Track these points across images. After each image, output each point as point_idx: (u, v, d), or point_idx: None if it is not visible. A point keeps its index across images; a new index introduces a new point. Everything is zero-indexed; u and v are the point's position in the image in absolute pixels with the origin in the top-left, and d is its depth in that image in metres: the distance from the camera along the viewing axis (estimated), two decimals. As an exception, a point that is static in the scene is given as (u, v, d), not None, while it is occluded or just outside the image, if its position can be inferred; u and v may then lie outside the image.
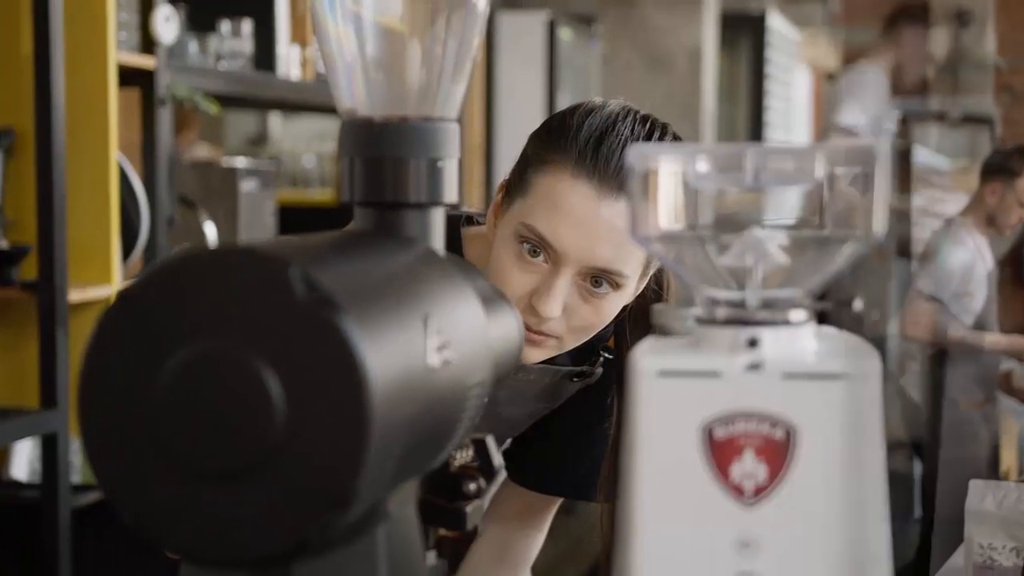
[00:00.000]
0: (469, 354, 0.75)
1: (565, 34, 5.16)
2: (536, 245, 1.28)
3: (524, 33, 5.10)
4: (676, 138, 1.34)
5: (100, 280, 2.56)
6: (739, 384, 0.68)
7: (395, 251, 0.76)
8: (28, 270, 2.46)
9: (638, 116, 1.31)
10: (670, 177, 0.71)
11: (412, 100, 0.82)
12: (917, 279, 4.04)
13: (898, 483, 4.04)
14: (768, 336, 0.69)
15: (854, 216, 0.69)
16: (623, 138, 1.28)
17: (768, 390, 0.68)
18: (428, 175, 0.81)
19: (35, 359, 2.41)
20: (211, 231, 3.00)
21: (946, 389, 4.26)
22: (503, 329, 0.86)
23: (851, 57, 9.94)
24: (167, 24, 2.69)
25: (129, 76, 2.69)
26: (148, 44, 2.71)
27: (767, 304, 0.71)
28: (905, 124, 4.55)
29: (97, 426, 0.64)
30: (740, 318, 0.70)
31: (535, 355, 1.33)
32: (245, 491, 0.62)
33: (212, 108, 2.79)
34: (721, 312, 0.71)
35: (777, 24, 7.68)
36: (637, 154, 0.70)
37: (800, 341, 0.70)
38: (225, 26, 3.08)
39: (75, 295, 2.46)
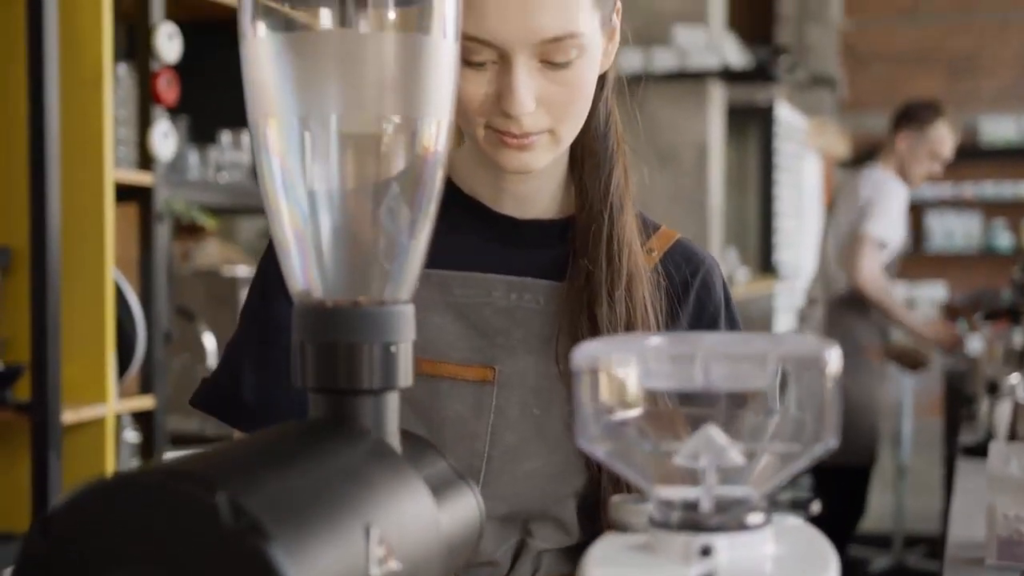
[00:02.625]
0: (417, 557, 0.72)
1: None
2: (473, 52, 1.14)
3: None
4: None
5: (95, 399, 2.54)
6: (691, 597, 0.65)
7: (341, 449, 0.74)
8: (22, 390, 2.44)
9: None
10: (618, 376, 0.69)
11: (366, 283, 0.81)
12: (864, 224, 4.20)
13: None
14: (723, 543, 0.67)
15: (808, 421, 0.67)
16: None
17: (721, 604, 0.65)
18: (382, 360, 0.79)
19: (28, 482, 2.39)
20: (210, 343, 2.99)
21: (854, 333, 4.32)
22: (458, 515, 0.83)
23: (860, 143, 10.00)
24: (165, 140, 2.70)
25: (127, 191, 2.69)
26: (146, 159, 2.71)
27: (722, 506, 0.69)
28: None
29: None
30: (694, 522, 0.68)
31: (535, 159, 1.20)
32: None
33: (209, 223, 2.80)
34: (674, 516, 0.69)
35: (785, 114, 7.71)
36: (583, 354, 0.69)
37: (757, 547, 0.68)
38: (226, 137, 3.09)
39: (69, 416, 2.44)
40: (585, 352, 0.69)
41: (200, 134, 3.06)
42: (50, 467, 2.36)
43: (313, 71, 0.77)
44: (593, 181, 1.30)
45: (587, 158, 1.31)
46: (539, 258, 1.30)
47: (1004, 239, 10.03)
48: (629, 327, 1.25)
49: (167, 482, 0.61)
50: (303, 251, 0.80)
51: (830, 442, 0.67)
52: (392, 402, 0.80)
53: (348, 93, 0.77)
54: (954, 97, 10.16)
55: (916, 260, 10.23)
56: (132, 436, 3.07)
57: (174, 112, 2.85)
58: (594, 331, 1.24)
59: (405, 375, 0.80)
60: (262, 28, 0.77)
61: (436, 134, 0.81)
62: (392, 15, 0.78)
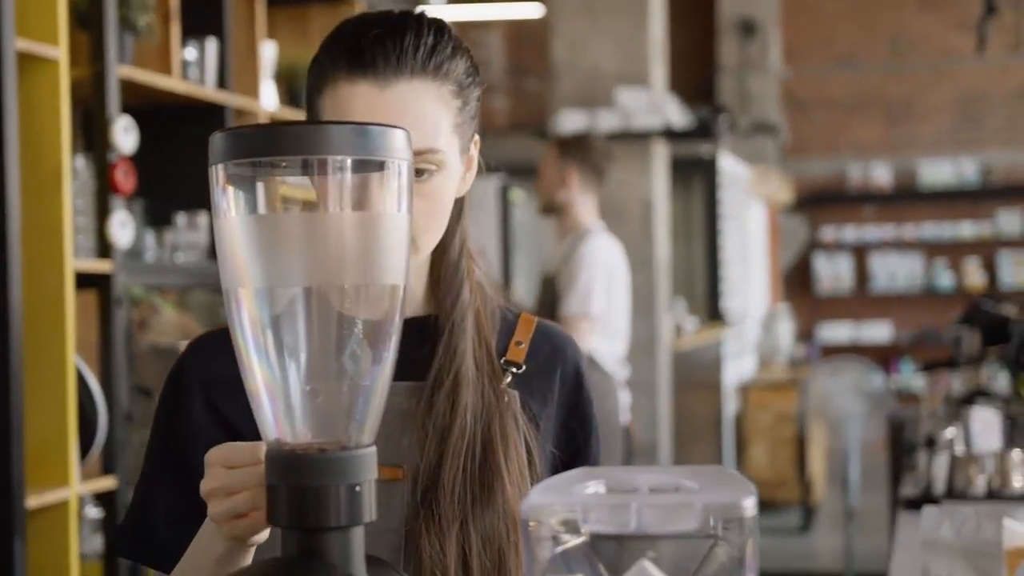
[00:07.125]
0: None
1: (516, 196, 5.29)
2: None
3: (477, 197, 5.19)
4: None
5: (58, 483, 2.60)
6: None
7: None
8: (-14, 478, 2.50)
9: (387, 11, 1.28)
10: (564, 524, 0.78)
11: (332, 430, 0.90)
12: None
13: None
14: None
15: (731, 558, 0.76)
16: (385, 23, 1.25)
17: None
18: (347, 500, 0.88)
19: (-7, 570, 2.44)
20: (169, 420, 3.04)
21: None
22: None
23: (803, 189, 10.20)
24: (123, 229, 2.78)
25: (86, 279, 2.76)
26: (105, 247, 2.79)
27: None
28: None
29: None
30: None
31: None
32: None
33: (166, 307, 2.87)
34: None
35: (728, 164, 7.86)
36: (529, 505, 0.78)
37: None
38: (181, 219, 3.17)
39: (33, 501, 2.50)
40: (530, 503, 0.78)
41: (156, 217, 3.14)
42: (15, 553, 2.42)
43: (279, 248, 0.86)
44: (445, 303, 1.35)
45: (442, 280, 1.36)
46: (423, 355, 1.34)
47: (945, 279, 10.26)
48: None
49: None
50: (274, 404, 0.89)
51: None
52: (358, 536, 0.89)
53: (312, 266, 0.87)
54: (893, 141, 10.39)
55: (861, 301, 10.42)
56: (94, 512, 3.12)
57: (131, 197, 2.93)
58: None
59: (369, 510, 0.89)
60: (232, 208, 0.87)
61: (393, 294, 0.90)
62: (351, 192, 0.88)
